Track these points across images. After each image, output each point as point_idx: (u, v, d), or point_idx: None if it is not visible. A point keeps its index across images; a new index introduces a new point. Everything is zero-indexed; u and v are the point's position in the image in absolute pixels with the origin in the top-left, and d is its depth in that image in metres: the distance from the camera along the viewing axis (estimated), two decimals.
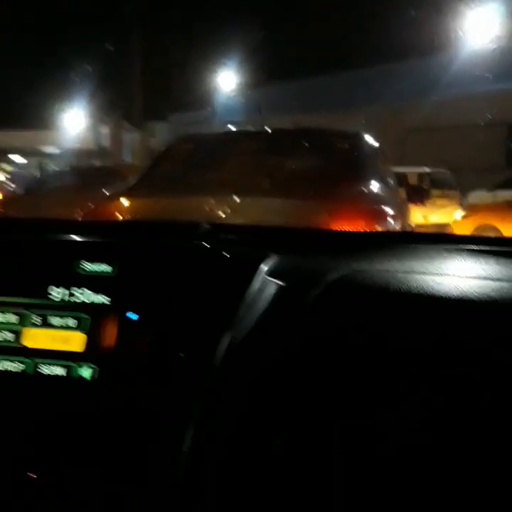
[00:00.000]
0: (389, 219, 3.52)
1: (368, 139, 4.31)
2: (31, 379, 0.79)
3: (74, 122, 23.31)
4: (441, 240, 1.08)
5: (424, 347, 0.74)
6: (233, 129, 4.85)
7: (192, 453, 0.71)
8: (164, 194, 3.66)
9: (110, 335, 0.79)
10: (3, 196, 10.72)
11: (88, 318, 0.80)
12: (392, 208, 3.70)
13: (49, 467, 0.74)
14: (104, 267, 0.83)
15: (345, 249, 1.05)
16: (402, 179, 8.66)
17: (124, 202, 3.83)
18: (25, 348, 0.81)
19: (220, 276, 0.81)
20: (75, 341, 0.80)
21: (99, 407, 0.75)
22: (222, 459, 0.71)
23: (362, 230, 3.16)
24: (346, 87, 18.20)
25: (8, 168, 20.02)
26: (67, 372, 0.78)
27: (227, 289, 0.80)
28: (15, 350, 0.81)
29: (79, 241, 0.93)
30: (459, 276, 0.87)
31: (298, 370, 0.75)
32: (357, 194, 3.63)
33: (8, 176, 16.69)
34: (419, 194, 6.06)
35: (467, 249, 0.99)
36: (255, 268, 0.83)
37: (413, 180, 11.53)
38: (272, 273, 0.85)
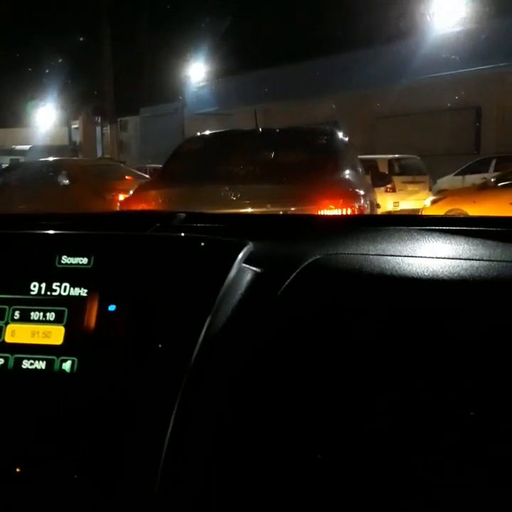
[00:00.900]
0: (361, 199, 4.56)
1: (340, 134, 5.48)
2: (12, 374, 0.79)
3: (45, 119, 23.02)
4: (412, 222, 1.10)
5: (398, 328, 0.76)
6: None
7: (172, 441, 0.72)
8: (187, 184, 4.75)
9: (88, 327, 0.79)
10: None
11: (66, 311, 0.81)
12: (363, 190, 4.79)
13: (32, 460, 0.74)
14: (80, 259, 0.83)
15: (319, 234, 1.07)
16: (371, 166, 9.00)
17: (155, 191, 4.98)
18: (6, 343, 0.81)
19: (196, 265, 0.82)
20: (54, 335, 0.80)
21: (80, 399, 0.76)
22: (202, 447, 0.71)
23: (340, 208, 4.23)
24: (316, 75, 18.17)
25: None
26: (47, 366, 0.79)
27: (204, 277, 0.81)
28: None
29: (55, 234, 0.93)
30: (431, 256, 0.89)
31: (276, 355, 0.76)
32: (335, 179, 4.73)
33: None
34: (381, 179, 7.43)
35: (437, 230, 1.01)
36: (231, 256, 0.84)
37: (383, 167, 11.64)
38: (247, 260, 0.87)
